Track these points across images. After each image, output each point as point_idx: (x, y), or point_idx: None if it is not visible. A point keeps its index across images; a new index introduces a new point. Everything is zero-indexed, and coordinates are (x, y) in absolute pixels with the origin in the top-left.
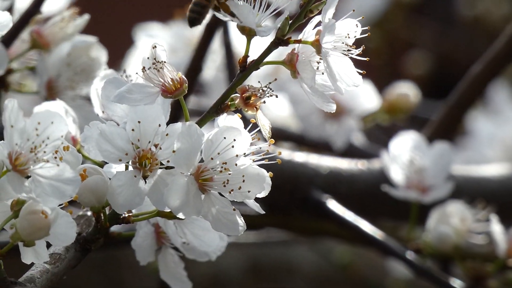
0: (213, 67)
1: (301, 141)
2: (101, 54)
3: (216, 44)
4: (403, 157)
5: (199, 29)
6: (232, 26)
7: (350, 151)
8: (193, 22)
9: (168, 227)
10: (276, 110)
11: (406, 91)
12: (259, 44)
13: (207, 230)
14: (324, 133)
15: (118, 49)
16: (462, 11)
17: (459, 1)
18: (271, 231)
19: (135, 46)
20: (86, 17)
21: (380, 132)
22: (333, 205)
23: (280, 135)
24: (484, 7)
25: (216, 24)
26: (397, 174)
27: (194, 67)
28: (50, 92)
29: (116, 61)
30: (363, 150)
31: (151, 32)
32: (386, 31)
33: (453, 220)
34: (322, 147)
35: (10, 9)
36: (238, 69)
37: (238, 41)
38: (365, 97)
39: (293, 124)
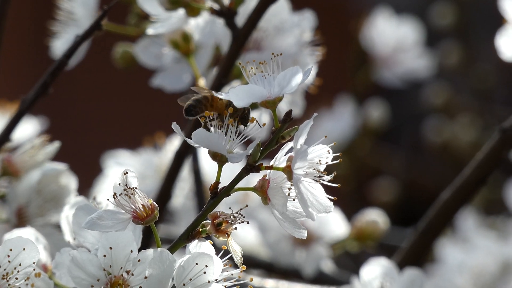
0: (181, 195)
1: (271, 269)
2: (70, 182)
3: (185, 171)
4: (374, 283)
5: (168, 157)
6: (202, 153)
7: (320, 278)
8: (189, 111)
9: None
10: (245, 237)
11: (375, 218)
12: (230, 171)
13: None
14: (294, 260)
15: (87, 176)
16: (429, 138)
17: (427, 128)
18: None
19: (104, 173)
20: (56, 144)
21: (349, 259)
22: None
23: (249, 262)
24: (452, 133)
25: (185, 151)
26: None
27: (164, 194)
28: (20, 219)
29: (85, 188)
30: (333, 277)
31: (120, 160)
32: (354, 158)
33: None
34: (292, 274)
35: None
36: (209, 196)
37: (207, 168)
38: (334, 224)
39: (262, 251)
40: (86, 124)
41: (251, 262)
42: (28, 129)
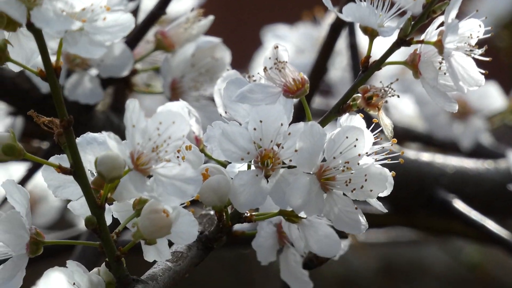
0: (340, 68)
1: (428, 142)
2: (225, 55)
3: (343, 45)
4: None
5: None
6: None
7: (477, 151)
8: (307, 267)
9: (292, 231)
10: (403, 110)
11: None
12: (382, 45)
13: (328, 237)
14: (451, 134)
15: (244, 51)
16: None
17: None
18: (401, 231)
19: (263, 47)
20: (210, 18)
21: (509, 132)
22: (459, 204)
23: (407, 135)
24: None
25: (341, 25)
26: None
27: (319, 68)
28: (174, 92)
29: (241, 62)
30: (491, 150)
31: (279, 33)
32: None
33: None
34: (449, 147)
35: (136, 10)
36: (361, 69)
37: (363, 42)
38: (492, 97)
39: (420, 124)
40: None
41: (409, 135)
42: (183, 2)
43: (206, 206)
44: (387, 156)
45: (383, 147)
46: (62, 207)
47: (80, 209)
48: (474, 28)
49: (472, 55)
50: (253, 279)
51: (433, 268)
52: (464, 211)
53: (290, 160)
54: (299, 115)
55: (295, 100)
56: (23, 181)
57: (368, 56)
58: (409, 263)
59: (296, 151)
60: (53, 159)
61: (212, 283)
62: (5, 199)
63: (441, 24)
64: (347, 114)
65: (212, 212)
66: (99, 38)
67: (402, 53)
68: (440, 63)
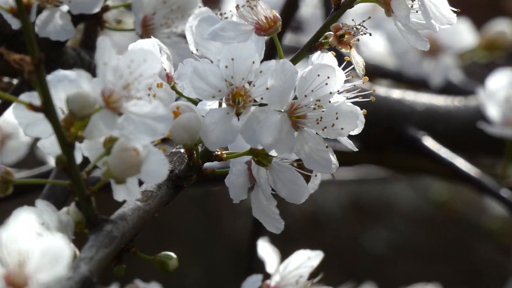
0: (311, 5)
1: (399, 79)
2: None
3: None
4: (500, 94)
5: None
6: None
7: (448, 89)
8: None
9: (260, 176)
10: (373, 47)
11: (504, 28)
12: None
13: (295, 183)
14: (422, 71)
15: None
16: None
17: None
18: (370, 169)
19: None
20: None
21: (479, 69)
22: (429, 142)
23: (377, 72)
24: None
25: None
26: (493, 111)
27: (290, 4)
28: (145, 29)
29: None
30: (461, 88)
31: None
32: None
33: None
34: (419, 84)
35: None
36: (333, 7)
37: None
38: (463, 35)
39: (390, 61)
40: None
41: (379, 72)
42: None
43: (177, 144)
44: (358, 94)
45: (355, 85)
46: (32, 143)
47: (50, 147)
48: None
49: None
50: (221, 216)
51: (401, 206)
52: (434, 149)
53: (262, 98)
54: (270, 53)
55: (266, 38)
56: None
57: None
58: (378, 200)
59: (267, 89)
60: (23, 97)
61: (180, 220)
62: None
63: None
64: (319, 52)
65: (182, 151)
66: None
67: None
68: (413, 1)
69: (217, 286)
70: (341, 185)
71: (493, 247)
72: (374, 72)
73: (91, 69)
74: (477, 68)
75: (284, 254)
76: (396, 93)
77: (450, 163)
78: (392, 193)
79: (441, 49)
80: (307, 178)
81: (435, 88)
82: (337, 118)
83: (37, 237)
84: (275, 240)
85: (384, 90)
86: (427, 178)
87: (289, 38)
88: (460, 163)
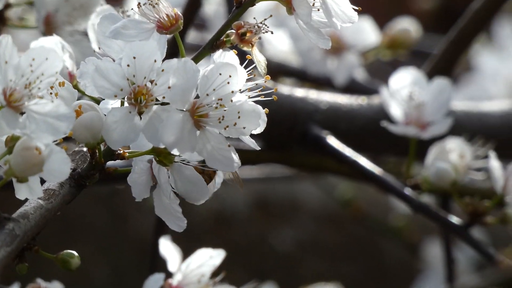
0: (214, 2)
1: (303, 77)
2: None
3: None
4: (402, 92)
5: None
6: None
7: (351, 87)
8: None
9: (161, 175)
10: (277, 45)
11: (407, 26)
12: None
13: (195, 183)
14: (325, 69)
15: None
16: None
17: None
18: (275, 167)
19: None
20: None
21: (383, 67)
22: (332, 140)
23: (281, 70)
24: None
25: None
26: (396, 110)
27: (193, 2)
28: (48, 27)
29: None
30: (364, 86)
31: None
32: None
33: (452, 156)
34: (323, 83)
35: None
36: (235, 5)
37: None
38: (367, 33)
39: (294, 59)
40: None
41: (284, 70)
42: None
43: (79, 143)
44: (261, 93)
45: (257, 84)
46: None
47: None
48: None
49: None
50: (126, 214)
51: (307, 204)
52: (338, 148)
53: (164, 97)
54: (173, 51)
55: (169, 36)
56: None
57: None
58: (284, 198)
59: (169, 87)
60: None
61: (87, 219)
62: None
63: None
64: (221, 50)
65: (85, 149)
66: None
67: None
68: None
69: (123, 285)
70: (246, 183)
71: (400, 245)
72: (278, 70)
73: None
74: (381, 66)
75: (191, 252)
76: (300, 92)
77: (353, 161)
78: (299, 191)
79: (345, 47)
80: (211, 178)
81: (339, 87)
82: (239, 117)
83: None
84: (181, 238)
85: (288, 89)
86: (332, 177)
87: (193, 36)
88: (364, 161)
